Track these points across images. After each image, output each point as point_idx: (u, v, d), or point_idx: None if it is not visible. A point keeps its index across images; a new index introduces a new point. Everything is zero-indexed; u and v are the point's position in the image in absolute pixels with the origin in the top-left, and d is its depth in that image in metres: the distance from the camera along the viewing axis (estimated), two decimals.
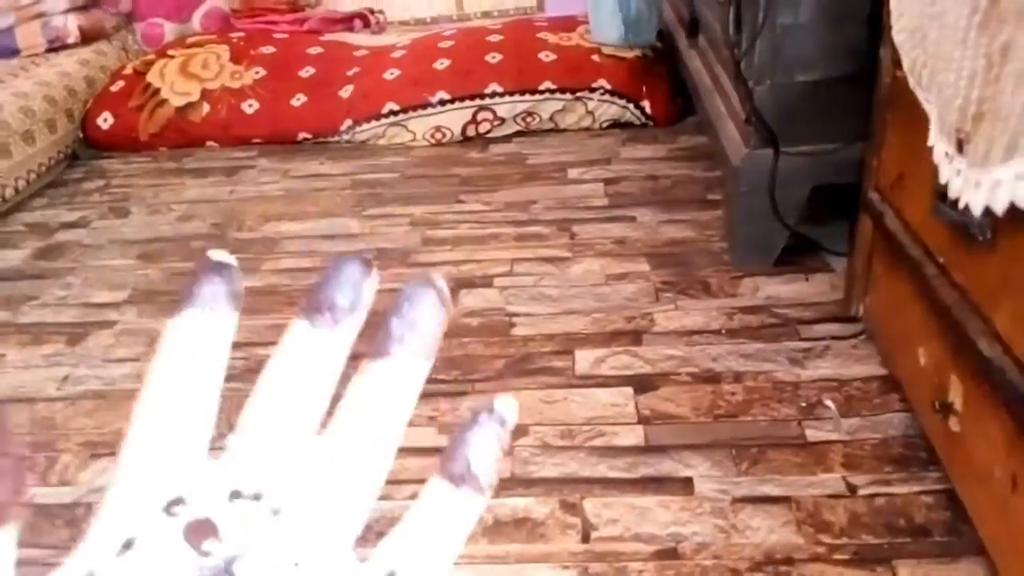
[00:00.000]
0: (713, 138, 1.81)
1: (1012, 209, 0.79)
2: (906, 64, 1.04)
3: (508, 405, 0.22)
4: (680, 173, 2.09)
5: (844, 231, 1.46)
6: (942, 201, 1.01)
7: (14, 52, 2.73)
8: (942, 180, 0.92)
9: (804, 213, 1.54)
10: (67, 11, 2.75)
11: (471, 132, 2.42)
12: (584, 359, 1.43)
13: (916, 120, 1.07)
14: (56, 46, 2.74)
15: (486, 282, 1.69)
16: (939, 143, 0.94)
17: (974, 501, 0.99)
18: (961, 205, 0.88)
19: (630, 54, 2.44)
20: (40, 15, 2.73)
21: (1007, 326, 0.88)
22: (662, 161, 2.18)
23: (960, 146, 0.86)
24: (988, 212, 0.88)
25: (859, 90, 1.33)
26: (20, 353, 1.60)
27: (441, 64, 2.50)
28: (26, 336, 1.66)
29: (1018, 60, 0.76)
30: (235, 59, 2.64)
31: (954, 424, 1.01)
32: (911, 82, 1.03)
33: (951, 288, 1.01)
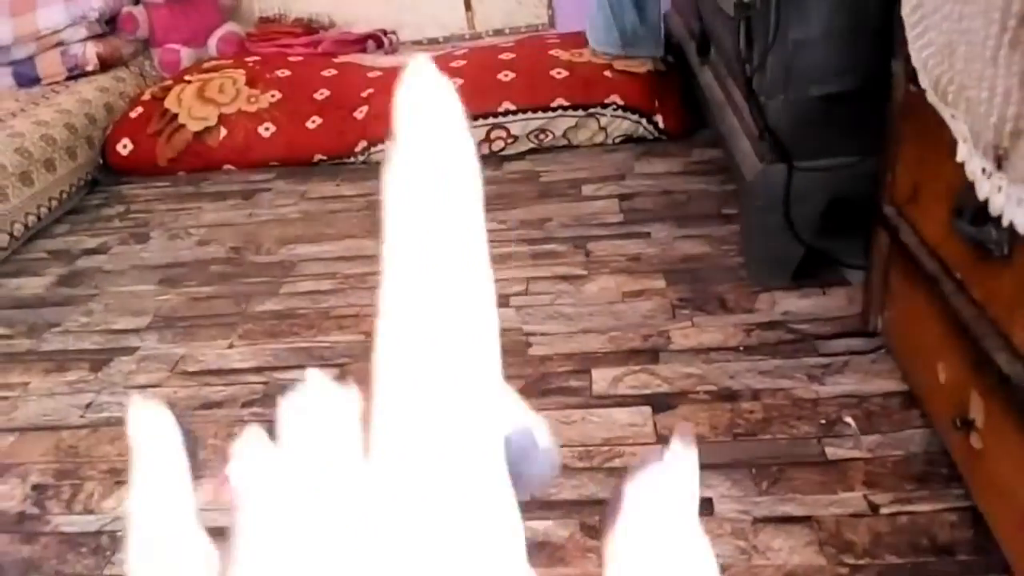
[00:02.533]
0: (727, 153, 1.81)
1: None
2: (927, 81, 1.03)
3: None
4: (695, 187, 2.09)
5: (861, 243, 1.45)
6: (959, 216, 1.01)
7: (35, 80, 2.78)
8: (980, 197, 0.91)
9: (820, 226, 1.53)
10: (85, 39, 2.79)
11: (485, 150, 2.43)
12: (601, 378, 1.43)
13: (931, 135, 1.07)
14: (75, 73, 2.79)
15: (502, 302, 1.69)
16: (973, 159, 0.93)
17: (998, 519, 0.98)
18: (1005, 222, 0.87)
19: (642, 69, 2.45)
20: (59, 44, 2.78)
21: None
22: (676, 176, 2.18)
23: (999, 163, 0.86)
24: (1005, 227, 0.88)
25: (872, 103, 1.33)
26: (44, 381, 1.62)
27: (454, 83, 2.50)
28: (50, 363, 1.68)
29: None
30: (251, 83, 2.67)
31: (975, 441, 1.00)
32: (932, 98, 1.02)
33: (969, 304, 1.01)
